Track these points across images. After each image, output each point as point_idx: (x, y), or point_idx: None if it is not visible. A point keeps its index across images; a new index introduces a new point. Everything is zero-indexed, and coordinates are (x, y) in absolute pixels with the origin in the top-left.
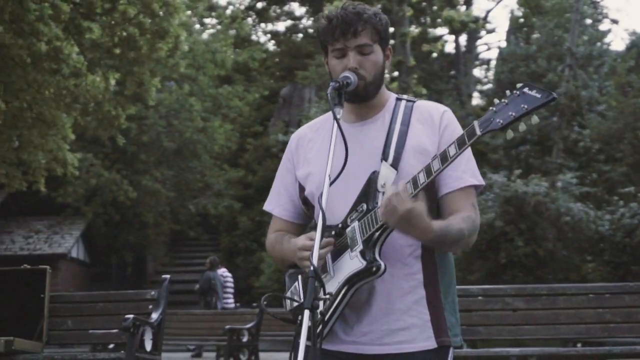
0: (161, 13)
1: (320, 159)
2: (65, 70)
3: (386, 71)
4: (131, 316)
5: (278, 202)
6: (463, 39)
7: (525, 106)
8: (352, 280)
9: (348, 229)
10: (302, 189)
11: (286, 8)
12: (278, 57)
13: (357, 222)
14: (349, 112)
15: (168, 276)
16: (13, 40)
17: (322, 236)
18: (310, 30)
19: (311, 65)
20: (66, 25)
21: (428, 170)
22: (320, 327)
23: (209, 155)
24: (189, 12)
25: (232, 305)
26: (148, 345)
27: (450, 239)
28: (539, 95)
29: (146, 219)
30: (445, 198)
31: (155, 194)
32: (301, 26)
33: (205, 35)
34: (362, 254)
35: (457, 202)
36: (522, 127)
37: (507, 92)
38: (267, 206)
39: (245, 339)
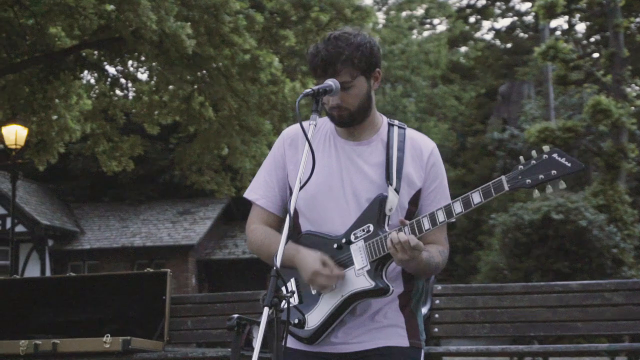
0: (354, 18)
1: (318, 168)
2: (263, 78)
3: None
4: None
5: (266, 194)
6: None
7: (555, 172)
8: (357, 296)
9: (353, 246)
10: (290, 190)
11: (511, 4)
12: (498, 53)
13: (363, 241)
14: (343, 131)
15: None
16: (216, 52)
17: (287, 240)
18: (532, 26)
19: (531, 61)
20: (262, 34)
21: (449, 211)
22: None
23: None
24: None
25: None
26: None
27: (429, 269)
28: (569, 164)
29: None
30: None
31: None
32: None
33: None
34: (370, 274)
35: (434, 235)
36: (548, 189)
37: (533, 152)
38: (252, 195)
39: None
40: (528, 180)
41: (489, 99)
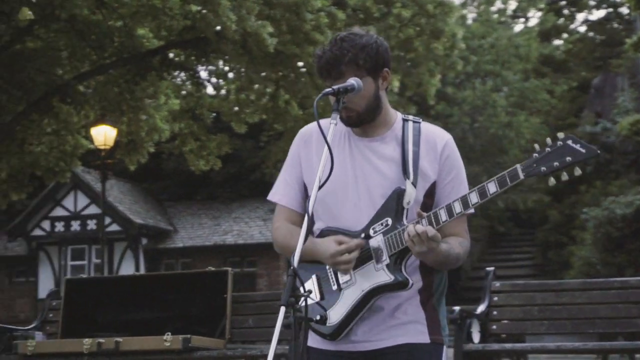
0: (436, 13)
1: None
2: None
3: (388, 90)
4: (457, 308)
5: (286, 193)
6: None
7: (570, 159)
8: (377, 291)
9: (372, 240)
10: (306, 188)
11: None
12: (591, 46)
13: (382, 235)
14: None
15: (492, 268)
16: (299, 50)
17: (306, 239)
18: (627, 17)
19: (624, 53)
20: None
21: (465, 202)
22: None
23: (518, 150)
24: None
25: None
26: (475, 338)
27: (449, 261)
28: (583, 150)
29: None
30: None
31: None
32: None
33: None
34: (390, 268)
35: (454, 227)
36: (564, 176)
37: (548, 140)
38: (274, 197)
39: None
40: (543, 168)
41: (582, 92)
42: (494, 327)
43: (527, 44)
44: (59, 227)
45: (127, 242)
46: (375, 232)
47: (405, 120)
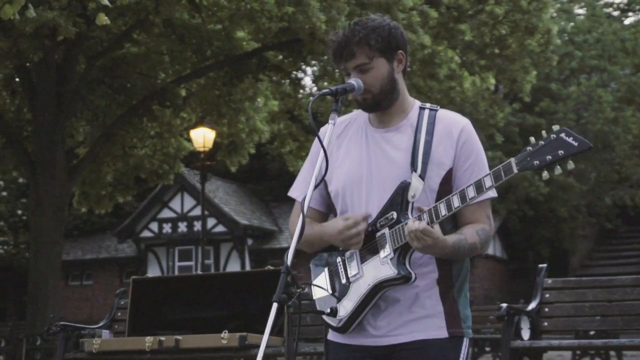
0: (530, 9)
1: (347, 158)
2: (441, 73)
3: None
4: (505, 305)
5: (303, 189)
6: None
7: (562, 152)
8: (382, 285)
9: (378, 234)
10: (326, 184)
11: None
12: None
13: (387, 229)
14: (374, 118)
15: (544, 265)
16: None
17: (300, 238)
18: None
19: None
20: (437, 30)
21: (463, 195)
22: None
23: (627, 146)
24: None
25: None
26: (525, 334)
27: (463, 252)
28: (576, 144)
29: (561, 213)
30: (463, 210)
31: (568, 188)
32: None
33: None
34: (393, 262)
35: (473, 214)
36: (557, 170)
37: (543, 133)
38: (293, 193)
39: None
40: (536, 162)
41: None
42: (545, 323)
43: (634, 37)
44: (167, 228)
45: (233, 243)
46: (381, 225)
47: (422, 109)
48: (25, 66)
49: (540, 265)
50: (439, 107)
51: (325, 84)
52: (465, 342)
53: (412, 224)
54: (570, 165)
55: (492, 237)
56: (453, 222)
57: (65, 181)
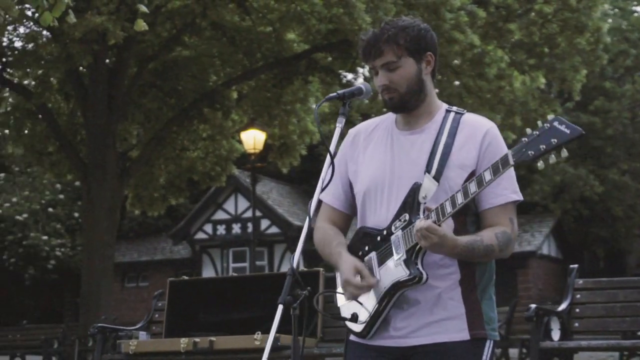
0: (580, 7)
1: (372, 161)
2: (490, 73)
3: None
4: (533, 306)
5: (329, 191)
6: None
7: (555, 141)
8: (396, 287)
9: (392, 237)
10: (351, 186)
11: None
12: None
13: (400, 231)
14: (400, 120)
15: (576, 266)
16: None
17: (306, 238)
18: None
19: None
20: (486, 29)
21: (465, 191)
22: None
23: None
24: None
25: None
26: (555, 335)
27: (478, 253)
28: (567, 131)
29: (616, 212)
30: (485, 213)
31: (623, 187)
32: None
33: None
34: (406, 263)
35: (495, 218)
36: (552, 159)
37: (539, 122)
38: (324, 197)
39: None
40: (531, 152)
41: None
42: (576, 324)
43: None
44: (221, 230)
45: (286, 244)
46: (395, 228)
47: (448, 111)
48: (77, 70)
49: (571, 266)
50: (465, 110)
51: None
52: (489, 345)
53: (418, 222)
54: (564, 153)
55: (514, 240)
56: (476, 225)
57: (116, 184)
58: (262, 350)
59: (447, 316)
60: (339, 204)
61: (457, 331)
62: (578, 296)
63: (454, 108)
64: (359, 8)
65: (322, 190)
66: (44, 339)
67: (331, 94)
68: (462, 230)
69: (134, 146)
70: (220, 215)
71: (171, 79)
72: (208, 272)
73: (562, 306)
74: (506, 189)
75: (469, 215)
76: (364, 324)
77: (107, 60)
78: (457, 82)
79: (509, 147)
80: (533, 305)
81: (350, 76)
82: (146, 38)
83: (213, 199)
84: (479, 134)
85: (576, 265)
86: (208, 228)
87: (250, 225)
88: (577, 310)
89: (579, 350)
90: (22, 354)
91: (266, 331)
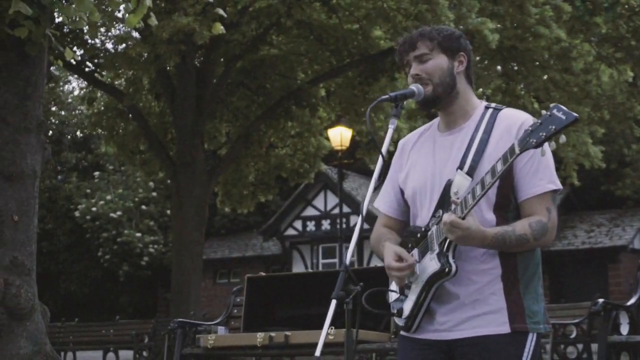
0: None
1: (416, 166)
2: (576, 67)
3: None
4: (601, 300)
5: (384, 199)
6: None
7: (553, 127)
8: (432, 280)
9: (429, 232)
10: (402, 191)
11: None
12: None
13: (435, 227)
14: (441, 122)
15: None
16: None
17: (359, 236)
18: None
19: None
20: (572, 23)
21: (482, 183)
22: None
23: None
24: None
25: None
26: (624, 329)
27: (510, 244)
28: (563, 117)
29: None
30: (523, 204)
31: None
32: None
33: None
34: (438, 256)
35: (532, 208)
36: (552, 145)
37: (543, 112)
38: (376, 203)
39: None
40: (533, 140)
41: None
42: None
43: None
44: (310, 226)
45: None
46: (432, 224)
47: (486, 108)
48: (166, 70)
49: None
50: (504, 106)
51: None
52: (531, 338)
53: (444, 217)
54: (562, 139)
55: (551, 229)
56: (515, 213)
57: (205, 182)
58: (336, 344)
59: (489, 310)
60: (392, 211)
61: (498, 325)
62: None
63: (493, 105)
64: (442, 5)
65: (375, 189)
66: (135, 334)
67: (383, 96)
68: (504, 224)
69: (223, 144)
70: (310, 211)
71: (259, 78)
72: (298, 268)
73: (632, 300)
74: (542, 179)
75: (510, 210)
76: (405, 318)
77: (195, 61)
78: (545, 77)
79: (599, 142)
80: (600, 300)
81: None
82: (233, 38)
83: (303, 196)
84: (514, 126)
85: None
86: (298, 224)
87: (339, 221)
88: None
89: None
90: (115, 348)
91: (340, 326)
